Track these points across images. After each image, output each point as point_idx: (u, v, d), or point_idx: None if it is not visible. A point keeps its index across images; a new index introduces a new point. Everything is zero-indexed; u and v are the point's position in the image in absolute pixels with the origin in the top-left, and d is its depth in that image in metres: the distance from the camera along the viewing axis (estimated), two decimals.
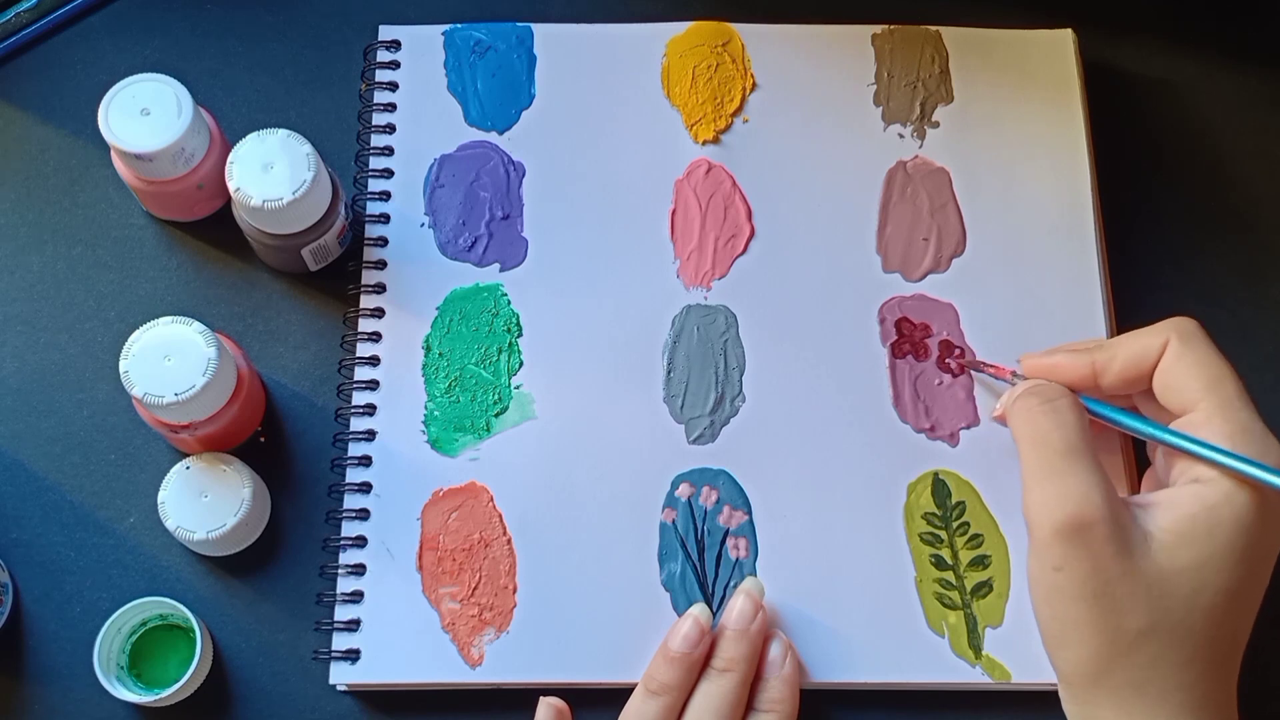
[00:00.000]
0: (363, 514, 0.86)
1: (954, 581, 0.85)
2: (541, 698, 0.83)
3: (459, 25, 0.98)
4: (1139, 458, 0.86)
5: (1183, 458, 0.75)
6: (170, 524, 0.84)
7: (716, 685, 0.81)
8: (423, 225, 0.93)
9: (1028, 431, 0.77)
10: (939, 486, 0.87)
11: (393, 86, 0.96)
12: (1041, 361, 0.83)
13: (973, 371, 0.89)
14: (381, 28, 0.98)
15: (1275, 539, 0.75)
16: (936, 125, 0.96)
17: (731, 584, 0.85)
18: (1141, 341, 0.78)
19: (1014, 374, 0.86)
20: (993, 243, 0.93)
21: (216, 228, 0.93)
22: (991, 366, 0.88)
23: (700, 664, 0.81)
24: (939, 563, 0.85)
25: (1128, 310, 0.91)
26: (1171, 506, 0.74)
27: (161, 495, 0.84)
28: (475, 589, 0.85)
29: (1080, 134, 0.95)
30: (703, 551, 0.86)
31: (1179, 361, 0.76)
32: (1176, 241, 0.95)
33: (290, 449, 0.89)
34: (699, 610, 0.82)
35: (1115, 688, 0.73)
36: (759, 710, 0.81)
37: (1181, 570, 0.72)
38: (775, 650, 0.82)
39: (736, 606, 0.82)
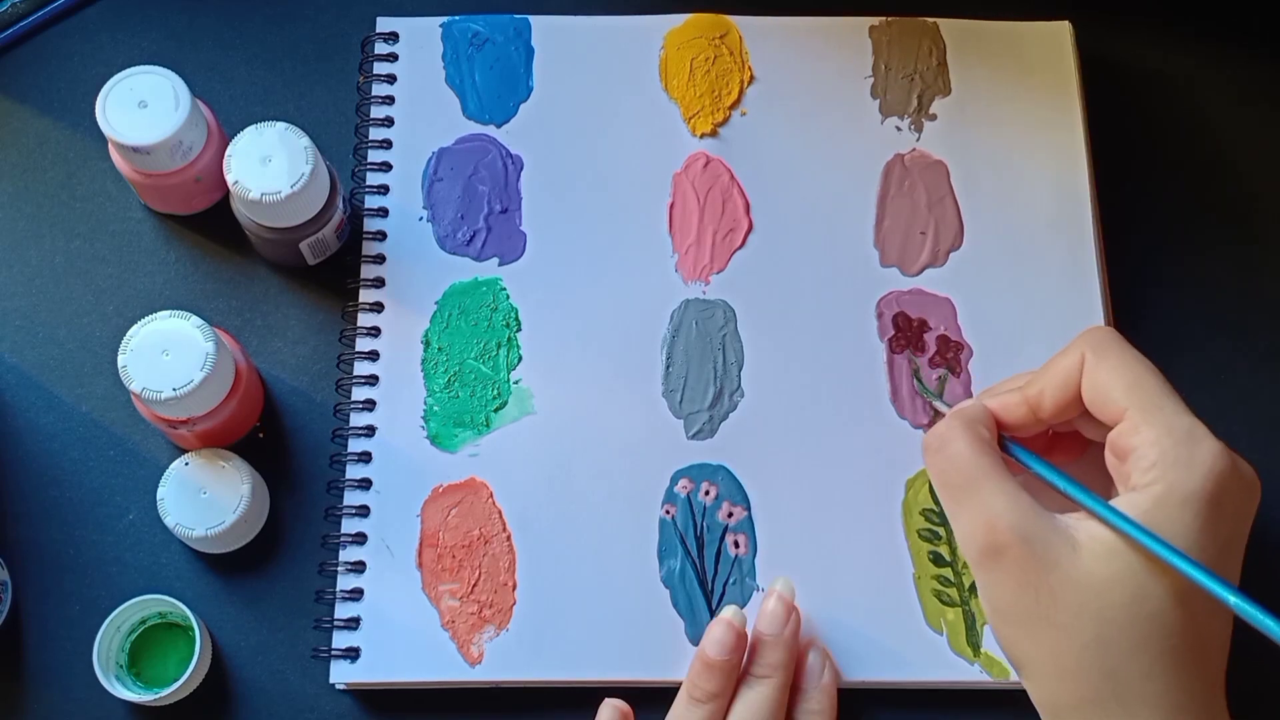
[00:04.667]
0: (362, 510, 0.86)
1: (952, 578, 0.85)
2: (605, 699, 0.83)
3: (457, 17, 0.97)
4: None
5: (1125, 462, 0.72)
6: (169, 521, 0.84)
7: (756, 692, 0.81)
8: (421, 219, 0.93)
9: (933, 479, 0.76)
10: None
11: (390, 79, 0.96)
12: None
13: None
14: (379, 20, 0.97)
15: (1224, 531, 0.70)
16: (934, 118, 0.96)
17: (731, 580, 0.85)
18: (1062, 365, 0.76)
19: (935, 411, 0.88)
20: (990, 236, 0.93)
21: (215, 221, 0.93)
22: (930, 402, 0.88)
23: (739, 667, 0.81)
24: (937, 559, 0.85)
25: (1125, 303, 0.91)
26: None
27: (160, 491, 0.84)
28: (475, 586, 0.85)
29: (1078, 126, 0.95)
30: (702, 548, 0.86)
31: (1096, 374, 0.74)
32: (1174, 233, 0.95)
33: (289, 445, 0.89)
34: (731, 613, 0.82)
35: (1078, 707, 0.70)
36: None
37: (1117, 577, 0.69)
38: (813, 659, 0.83)
39: (769, 609, 0.82)
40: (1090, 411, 0.75)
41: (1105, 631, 0.69)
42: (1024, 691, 0.83)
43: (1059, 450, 0.81)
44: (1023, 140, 0.95)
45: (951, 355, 0.90)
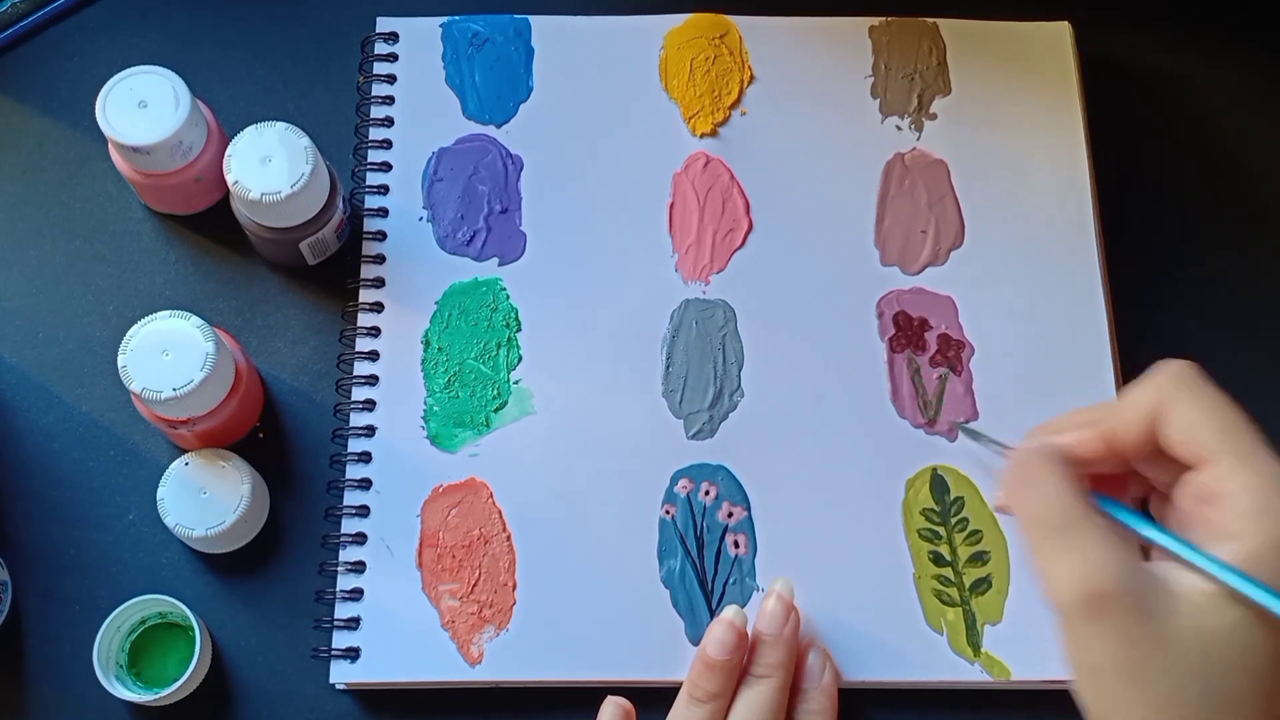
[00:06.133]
0: (362, 511, 0.86)
1: (953, 578, 0.85)
2: (608, 697, 0.82)
3: (457, 17, 0.97)
4: None
5: (1214, 508, 0.67)
6: (169, 521, 0.84)
7: (756, 692, 0.81)
8: (421, 219, 0.93)
9: (1022, 516, 0.70)
10: (937, 482, 0.87)
11: (391, 79, 0.96)
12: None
13: (973, 441, 0.87)
14: (379, 20, 0.97)
15: None
16: (934, 117, 0.96)
17: (731, 580, 0.85)
18: (1144, 400, 0.70)
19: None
20: (991, 235, 0.93)
21: (215, 221, 0.93)
22: (993, 442, 0.84)
23: (740, 667, 0.81)
24: (938, 559, 0.85)
25: (1127, 302, 0.91)
26: None
27: (160, 492, 0.84)
28: (475, 586, 0.85)
29: (1078, 125, 0.95)
30: (702, 548, 0.86)
31: (1186, 414, 0.69)
32: (1175, 232, 0.95)
33: (289, 445, 0.89)
34: (732, 613, 0.82)
35: None
36: None
37: (1220, 632, 0.64)
38: (813, 660, 0.82)
39: (768, 609, 0.82)
40: (1168, 450, 0.70)
41: (1207, 689, 0.65)
42: (1024, 692, 0.84)
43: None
44: (1023, 139, 0.95)
45: (953, 354, 0.90)
